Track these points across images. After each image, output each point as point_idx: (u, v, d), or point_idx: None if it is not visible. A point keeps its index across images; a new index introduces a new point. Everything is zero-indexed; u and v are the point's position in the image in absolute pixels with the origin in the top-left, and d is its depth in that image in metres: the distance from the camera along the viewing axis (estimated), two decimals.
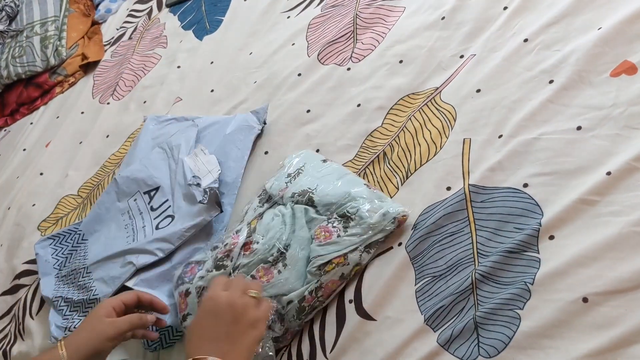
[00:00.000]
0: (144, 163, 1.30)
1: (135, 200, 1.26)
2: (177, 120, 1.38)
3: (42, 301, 1.25)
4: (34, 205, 1.49)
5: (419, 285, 0.89)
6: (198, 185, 1.14)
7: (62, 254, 1.28)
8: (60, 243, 1.29)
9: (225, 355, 0.77)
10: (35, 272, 1.31)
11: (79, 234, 1.29)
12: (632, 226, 0.77)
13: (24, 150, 1.70)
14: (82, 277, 1.18)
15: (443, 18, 1.19)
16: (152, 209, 1.23)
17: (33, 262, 1.32)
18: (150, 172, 1.27)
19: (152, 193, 1.25)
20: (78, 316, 1.13)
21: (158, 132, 1.38)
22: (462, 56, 1.12)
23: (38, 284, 1.27)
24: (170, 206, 1.20)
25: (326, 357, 0.90)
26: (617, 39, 0.95)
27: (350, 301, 0.93)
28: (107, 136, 1.54)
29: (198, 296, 0.97)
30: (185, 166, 1.23)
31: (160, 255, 1.09)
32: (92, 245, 1.25)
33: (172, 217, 1.18)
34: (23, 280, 1.33)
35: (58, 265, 1.26)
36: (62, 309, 1.15)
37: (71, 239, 1.29)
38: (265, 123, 1.25)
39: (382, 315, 0.89)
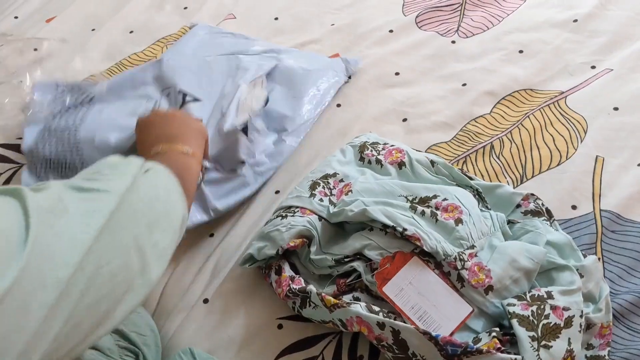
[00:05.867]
0: (201, 65, 1.06)
1: (168, 95, 1.01)
2: (235, 36, 1.16)
3: None
4: (20, 81, 1.21)
5: None
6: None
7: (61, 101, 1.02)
8: (63, 92, 1.03)
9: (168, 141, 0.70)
10: None
11: (88, 95, 1.03)
12: None
13: (16, 18, 1.40)
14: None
15: (575, 20, 1.06)
16: None
17: None
18: (200, 78, 1.03)
19: (187, 98, 1.01)
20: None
21: (210, 42, 1.14)
22: (593, 67, 0.99)
23: None
24: None
25: None
26: None
27: None
28: (131, 32, 1.29)
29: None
30: (237, 94, 1.01)
31: None
32: (94, 114, 1.00)
33: None
34: None
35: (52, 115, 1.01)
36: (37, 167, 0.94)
37: (78, 93, 1.03)
38: (350, 77, 1.06)
39: None
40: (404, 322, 0.68)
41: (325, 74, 1.03)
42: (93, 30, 1.31)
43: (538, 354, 0.65)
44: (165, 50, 1.19)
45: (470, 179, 0.83)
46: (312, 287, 0.74)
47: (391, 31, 1.13)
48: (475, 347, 0.64)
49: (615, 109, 0.91)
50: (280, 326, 0.78)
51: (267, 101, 1.00)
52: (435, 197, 0.78)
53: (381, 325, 0.67)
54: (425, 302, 0.71)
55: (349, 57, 1.07)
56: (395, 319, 0.68)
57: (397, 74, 1.06)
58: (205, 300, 0.82)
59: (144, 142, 0.73)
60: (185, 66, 1.05)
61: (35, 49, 1.27)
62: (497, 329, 0.68)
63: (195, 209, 0.88)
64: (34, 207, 0.42)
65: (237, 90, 1.02)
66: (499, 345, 0.65)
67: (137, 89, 1.02)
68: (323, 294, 0.72)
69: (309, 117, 0.99)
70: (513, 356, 0.63)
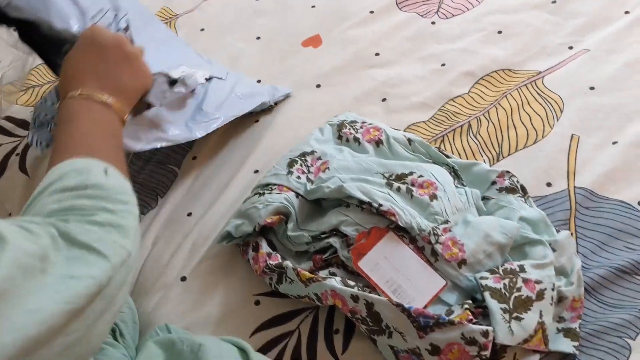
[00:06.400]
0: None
1: (115, 16, 0.87)
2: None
3: None
4: None
5: None
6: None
7: None
8: None
9: (112, 93, 0.65)
10: None
11: None
12: None
13: None
14: None
15: (554, 2, 1.06)
16: None
17: None
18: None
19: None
20: None
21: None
22: (571, 47, 0.99)
23: None
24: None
25: None
26: None
27: None
28: None
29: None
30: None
31: None
32: None
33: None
34: None
35: None
36: None
37: None
38: (275, 104, 1.01)
39: None
40: (378, 295, 0.68)
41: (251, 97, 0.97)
42: None
43: (509, 326, 0.65)
44: None
45: (447, 157, 0.84)
46: (288, 263, 0.74)
47: (372, 12, 1.13)
48: (447, 318, 0.64)
49: (592, 88, 0.92)
50: (257, 302, 0.78)
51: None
52: (411, 174, 0.78)
53: (355, 298, 0.68)
54: (400, 276, 0.71)
55: (279, 87, 1.02)
56: (369, 293, 0.69)
57: (377, 54, 1.06)
58: (183, 278, 0.82)
59: (72, 72, 0.66)
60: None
61: None
62: (470, 301, 0.69)
63: None
64: (10, 262, 0.39)
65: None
66: (470, 317, 0.66)
67: None
68: (299, 269, 0.73)
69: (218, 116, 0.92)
70: (483, 327, 0.64)
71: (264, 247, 0.78)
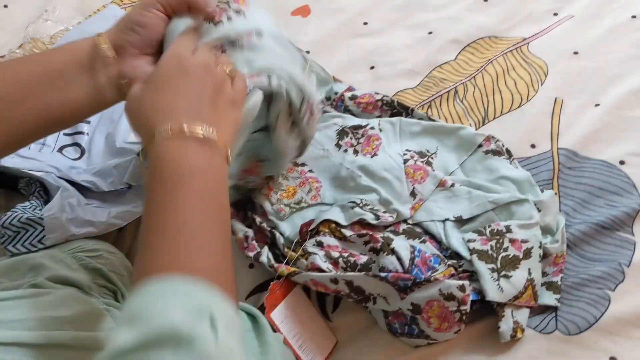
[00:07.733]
0: None
1: None
2: None
3: None
4: None
5: None
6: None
7: None
8: None
9: (213, 124, 0.51)
10: None
11: None
12: None
13: None
14: None
15: None
16: None
17: None
18: None
19: None
20: None
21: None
22: (556, 14, 1.01)
23: None
24: (87, 133, 0.93)
25: None
26: None
27: None
28: None
29: None
30: None
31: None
32: None
33: (82, 151, 0.91)
34: None
35: None
36: None
37: None
38: None
39: None
40: (357, 264, 0.71)
41: None
42: None
43: (499, 284, 0.68)
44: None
45: (433, 121, 0.86)
46: (264, 258, 0.75)
47: None
48: (423, 277, 0.67)
49: (575, 53, 0.94)
50: (251, 265, 0.80)
51: None
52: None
53: (334, 281, 0.70)
54: (305, 331, 0.73)
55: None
56: (355, 261, 0.72)
57: (365, 23, 1.07)
58: None
59: (156, 103, 0.52)
60: None
61: None
62: (455, 261, 0.71)
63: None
64: None
65: None
66: (453, 273, 0.68)
67: None
68: (275, 266, 0.74)
69: None
70: (459, 282, 0.66)
71: (240, 230, 0.79)
